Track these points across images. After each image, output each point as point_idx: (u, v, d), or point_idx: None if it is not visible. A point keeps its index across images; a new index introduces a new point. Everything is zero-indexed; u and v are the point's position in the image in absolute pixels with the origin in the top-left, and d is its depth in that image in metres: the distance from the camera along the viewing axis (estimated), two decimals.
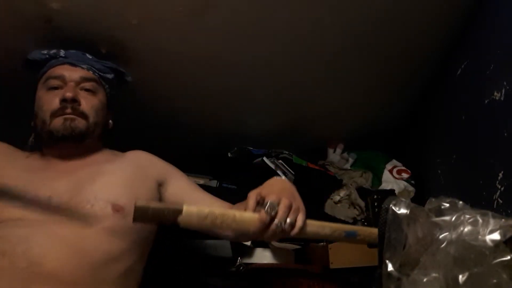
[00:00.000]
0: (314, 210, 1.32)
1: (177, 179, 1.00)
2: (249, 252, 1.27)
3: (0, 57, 1.16)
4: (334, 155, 1.55)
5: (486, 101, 0.95)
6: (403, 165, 1.44)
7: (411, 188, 1.34)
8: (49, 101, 0.93)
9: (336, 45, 1.19)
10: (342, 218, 1.28)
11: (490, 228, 0.60)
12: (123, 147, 1.43)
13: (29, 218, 0.77)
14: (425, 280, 0.61)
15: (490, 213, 0.62)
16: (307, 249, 1.25)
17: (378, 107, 1.44)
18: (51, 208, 0.79)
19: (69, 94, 0.91)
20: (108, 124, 1.05)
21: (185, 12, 1.06)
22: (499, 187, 0.86)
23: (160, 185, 0.97)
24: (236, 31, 1.13)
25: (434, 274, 0.61)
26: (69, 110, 0.91)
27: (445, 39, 1.17)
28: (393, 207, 0.68)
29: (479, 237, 0.59)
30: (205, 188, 1.34)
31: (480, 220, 0.61)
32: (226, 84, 1.30)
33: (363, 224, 1.25)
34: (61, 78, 0.96)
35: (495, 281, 0.57)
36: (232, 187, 1.36)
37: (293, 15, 1.09)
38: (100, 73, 1.02)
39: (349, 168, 1.49)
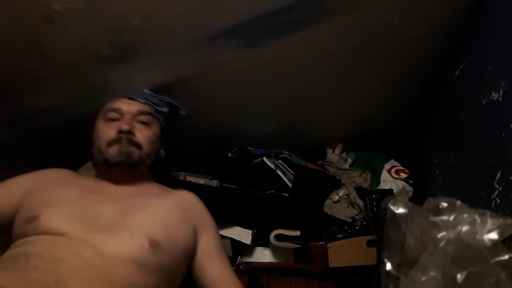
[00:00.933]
0: (314, 210, 1.33)
1: (207, 236, 0.99)
2: (249, 251, 1.27)
3: (1, 57, 1.17)
4: (333, 155, 1.55)
5: (484, 102, 0.95)
6: (402, 165, 1.44)
7: (409, 188, 1.35)
8: (106, 131, 1.00)
9: (336, 46, 1.19)
10: (341, 217, 1.29)
11: (488, 227, 0.61)
12: None
13: (69, 235, 0.79)
14: (423, 279, 0.61)
15: (488, 212, 0.62)
16: (307, 249, 1.25)
17: (377, 107, 1.44)
18: (91, 229, 0.81)
19: (125, 126, 0.98)
20: (160, 154, 1.11)
21: (186, 14, 1.07)
22: (497, 187, 0.86)
23: (195, 232, 0.97)
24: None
25: (432, 273, 0.61)
26: (124, 141, 0.97)
27: (443, 40, 1.18)
28: (392, 207, 0.69)
29: (477, 236, 0.60)
30: (206, 188, 1.35)
31: (478, 220, 0.62)
32: (226, 85, 1.30)
33: (362, 224, 1.26)
34: (119, 111, 1.02)
35: (493, 280, 0.57)
36: (232, 187, 1.36)
37: None
38: (155, 106, 1.09)
39: (348, 168, 1.50)
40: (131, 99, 1.06)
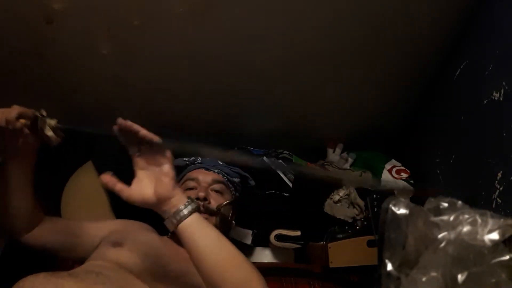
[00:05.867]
0: (314, 210, 1.33)
1: None
2: (249, 251, 1.27)
3: (1, 57, 1.17)
4: (334, 155, 1.55)
5: (485, 102, 0.95)
6: (402, 165, 1.44)
7: (410, 188, 1.35)
8: None
9: (336, 46, 1.19)
10: (342, 217, 1.29)
11: (489, 228, 0.60)
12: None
13: (137, 272, 0.85)
14: (424, 279, 0.61)
15: (489, 213, 0.62)
16: (307, 249, 1.25)
17: (377, 107, 1.44)
18: (157, 276, 0.86)
19: (201, 194, 1.06)
20: (231, 223, 1.17)
21: (186, 13, 1.07)
22: (498, 187, 0.86)
23: None
24: (237, 32, 1.13)
25: (433, 274, 0.61)
26: (201, 208, 1.02)
27: (444, 40, 1.18)
28: (393, 207, 0.69)
29: (478, 236, 0.60)
30: None
31: (479, 220, 0.62)
32: (226, 84, 1.30)
33: (362, 224, 1.26)
34: (196, 180, 1.13)
35: (494, 280, 0.57)
36: None
37: (294, 17, 1.10)
38: (228, 176, 1.19)
39: (348, 168, 1.50)
40: (207, 169, 1.17)
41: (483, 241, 0.59)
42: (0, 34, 1.11)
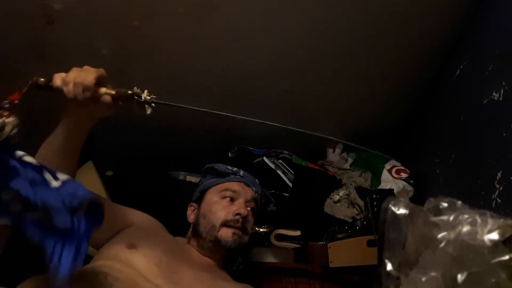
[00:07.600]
0: (314, 210, 1.33)
1: None
2: (249, 251, 1.27)
3: (1, 57, 1.17)
4: (334, 155, 1.55)
5: (485, 102, 0.95)
6: (402, 165, 1.44)
7: (410, 188, 1.35)
8: (222, 209, 1.06)
9: (336, 46, 1.19)
10: (342, 217, 1.29)
11: (488, 227, 0.60)
12: (125, 143, 1.44)
13: (149, 276, 0.85)
14: (424, 279, 0.61)
15: (488, 212, 0.62)
16: (307, 248, 1.25)
17: (377, 107, 1.44)
18: (167, 280, 0.86)
19: (244, 212, 1.05)
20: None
21: (187, 13, 1.07)
22: (498, 187, 0.86)
23: None
24: (238, 32, 1.13)
25: (433, 274, 0.61)
26: (239, 225, 1.04)
27: (444, 40, 1.18)
28: (392, 207, 0.69)
29: (478, 236, 0.60)
30: None
31: (479, 220, 0.61)
32: (226, 84, 1.30)
33: (362, 224, 1.26)
34: (237, 192, 1.11)
35: (493, 280, 0.57)
36: None
37: (295, 17, 1.10)
38: (260, 197, 1.18)
39: (348, 168, 1.50)
40: (247, 185, 1.15)
41: (483, 241, 0.59)
42: (0, 34, 1.11)
